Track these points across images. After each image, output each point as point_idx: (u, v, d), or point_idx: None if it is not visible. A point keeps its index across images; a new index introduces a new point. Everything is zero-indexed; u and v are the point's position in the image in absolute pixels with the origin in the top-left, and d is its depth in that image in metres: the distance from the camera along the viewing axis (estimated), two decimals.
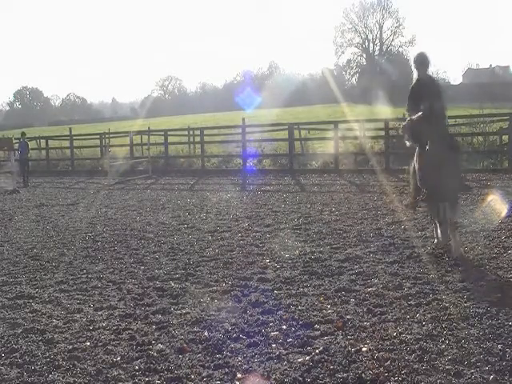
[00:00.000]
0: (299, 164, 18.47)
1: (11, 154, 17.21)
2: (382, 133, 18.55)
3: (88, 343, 4.01)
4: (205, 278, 5.62)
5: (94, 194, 14.53)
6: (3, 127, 67.89)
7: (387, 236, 7.19)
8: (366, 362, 3.44)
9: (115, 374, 3.49)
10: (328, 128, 19.68)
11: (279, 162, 19.13)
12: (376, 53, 79.56)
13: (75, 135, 24.25)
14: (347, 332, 3.97)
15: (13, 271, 6.33)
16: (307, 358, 3.56)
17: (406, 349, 3.61)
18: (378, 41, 79.61)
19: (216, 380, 3.36)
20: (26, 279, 5.94)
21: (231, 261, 6.29)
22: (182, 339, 4.00)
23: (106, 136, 22.10)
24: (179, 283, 5.48)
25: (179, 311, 4.63)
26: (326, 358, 3.54)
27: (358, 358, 3.50)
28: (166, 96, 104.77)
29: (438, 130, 5.91)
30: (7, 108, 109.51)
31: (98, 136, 24.08)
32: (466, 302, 4.44)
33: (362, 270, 5.60)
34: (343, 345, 3.72)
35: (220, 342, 3.90)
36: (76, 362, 3.68)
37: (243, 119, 19.07)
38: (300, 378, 3.29)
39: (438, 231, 6.29)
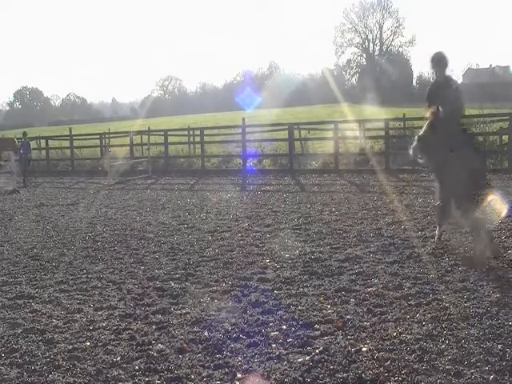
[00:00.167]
0: (299, 164, 18.46)
1: (11, 153, 17.20)
2: (382, 133, 18.56)
3: (88, 343, 4.01)
4: (205, 278, 5.62)
5: (93, 194, 14.53)
6: (3, 127, 67.91)
7: (387, 236, 7.19)
8: (366, 362, 3.44)
9: (115, 374, 3.49)
10: (328, 128, 19.68)
11: (279, 161, 19.13)
12: (376, 53, 79.61)
13: (75, 135, 24.24)
14: (347, 332, 3.97)
15: (13, 271, 6.33)
16: (307, 358, 3.56)
17: (405, 349, 3.61)
18: (377, 41, 79.70)
19: (216, 380, 3.36)
20: (25, 279, 5.94)
21: (231, 261, 6.29)
22: (182, 339, 4.00)
23: (106, 136, 22.10)
24: (179, 283, 5.48)
25: (179, 311, 4.63)
26: (326, 358, 3.54)
27: (358, 358, 3.50)
28: (166, 96, 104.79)
29: (457, 140, 5.62)
30: (7, 108, 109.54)
31: (98, 136, 24.07)
32: (465, 302, 4.44)
33: (362, 270, 5.60)
34: (343, 345, 3.72)
35: (220, 342, 3.90)
36: (76, 362, 3.69)
37: (243, 119, 19.07)
38: (300, 378, 3.29)
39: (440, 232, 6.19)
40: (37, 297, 5.25)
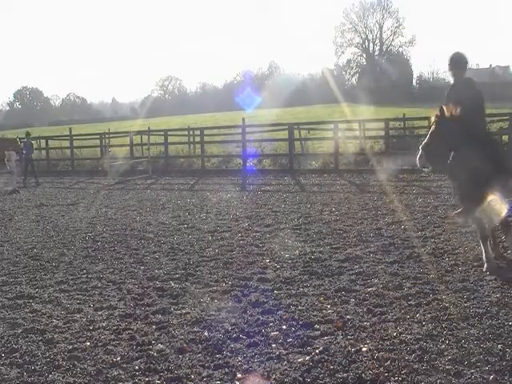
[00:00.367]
0: (299, 164, 18.45)
1: (12, 153, 17.18)
2: (382, 133, 18.57)
3: (88, 343, 4.01)
4: (205, 278, 5.62)
5: (94, 194, 14.53)
6: (3, 127, 67.90)
7: (387, 236, 7.19)
8: (366, 362, 3.44)
9: (115, 373, 3.49)
10: (328, 128, 19.68)
11: (279, 162, 19.13)
12: (376, 53, 79.56)
13: (75, 135, 24.24)
14: (347, 332, 3.97)
15: (13, 271, 6.33)
16: (307, 357, 3.56)
17: (405, 349, 3.61)
18: (377, 41, 79.63)
19: (216, 380, 3.36)
20: (26, 279, 5.94)
21: (231, 261, 6.29)
22: (182, 339, 4.00)
23: (106, 136, 22.09)
24: (179, 283, 5.48)
25: (179, 311, 4.63)
26: (326, 358, 3.54)
27: (358, 358, 3.51)
28: (166, 96, 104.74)
29: (481, 147, 5.03)
30: (7, 108, 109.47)
31: (98, 136, 24.07)
32: (466, 302, 4.44)
33: (362, 270, 5.60)
34: (343, 345, 3.72)
35: (220, 342, 3.90)
36: (76, 362, 3.69)
37: (243, 119, 19.07)
38: (300, 378, 3.29)
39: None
40: (37, 297, 5.25)
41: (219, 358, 3.64)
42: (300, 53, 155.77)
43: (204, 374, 3.43)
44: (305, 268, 5.80)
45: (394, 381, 3.20)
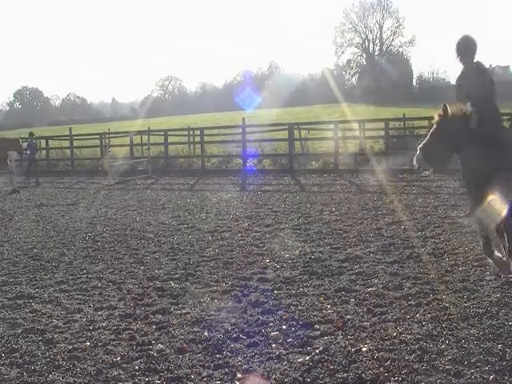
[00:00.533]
0: (299, 164, 18.46)
1: (12, 153, 17.16)
2: (382, 133, 18.56)
3: (88, 343, 4.01)
4: (205, 278, 5.62)
5: (94, 194, 14.53)
6: (3, 127, 67.85)
7: (387, 236, 7.19)
8: (366, 362, 3.44)
9: (115, 373, 3.49)
10: (328, 128, 19.68)
11: (279, 162, 19.13)
12: (376, 53, 79.53)
13: (75, 135, 24.24)
14: (347, 332, 3.97)
15: (13, 271, 6.33)
16: (307, 357, 3.56)
17: (405, 349, 3.61)
18: (377, 41, 79.59)
19: (216, 380, 3.36)
20: (26, 279, 5.94)
21: (231, 261, 6.29)
22: (182, 339, 4.00)
23: (106, 136, 22.09)
24: (179, 283, 5.48)
25: (179, 311, 4.63)
26: (326, 358, 3.54)
27: (358, 358, 3.51)
28: (166, 96, 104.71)
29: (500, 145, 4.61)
30: (7, 108, 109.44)
31: (98, 136, 24.08)
32: (466, 302, 4.44)
33: (362, 270, 5.60)
34: (343, 345, 3.72)
35: (220, 342, 3.90)
36: (76, 362, 3.69)
37: (243, 119, 19.07)
38: (300, 378, 3.29)
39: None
40: (37, 297, 5.25)
41: (219, 358, 3.64)
42: (300, 53, 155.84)
43: (204, 374, 3.43)
44: (305, 268, 5.80)
45: (394, 381, 3.20)
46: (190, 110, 73.96)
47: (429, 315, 4.19)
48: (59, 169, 23.89)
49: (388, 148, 17.47)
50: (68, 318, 4.58)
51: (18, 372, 3.59)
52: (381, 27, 78.58)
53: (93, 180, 18.56)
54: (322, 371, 3.37)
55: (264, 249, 6.81)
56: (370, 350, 3.62)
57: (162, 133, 22.32)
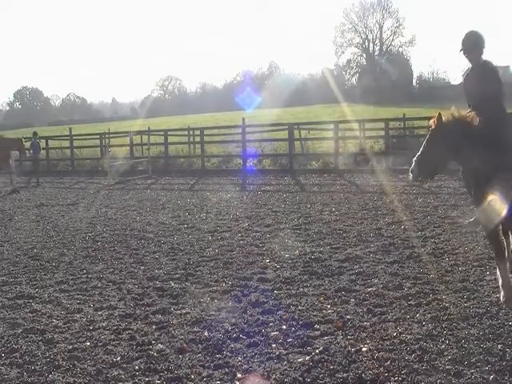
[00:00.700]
0: (299, 164, 18.47)
1: (13, 153, 17.14)
2: (382, 133, 18.55)
3: (88, 343, 4.01)
4: (205, 278, 5.62)
5: (94, 194, 14.53)
6: (3, 127, 67.78)
7: (387, 236, 7.19)
8: (366, 362, 3.44)
9: (115, 373, 3.49)
10: (328, 128, 19.68)
11: (279, 162, 19.13)
12: (376, 53, 79.51)
13: (75, 135, 24.24)
14: (347, 332, 3.97)
15: (13, 271, 6.33)
16: (307, 357, 3.56)
17: (405, 349, 3.61)
18: (377, 41, 79.57)
19: (216, 380, 3.36)
20: (26, 279, 5.94)
21: (231, 261, 6.29)
22: (182, 339, 4.00)
23: (106, 136, 22.07)
24: (179, 283, 5.48)
25: (179, 311, 4.63)
26: (326, 358, 3.54)
27: (358, 358, 3.51)
28: (166, 96, 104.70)
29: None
30: (7, 108, 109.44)
31: (98, 136, 24.07)
32: (465, 302, 4.44)
33: (362, 270, 5.60)
34: (343, 345, 3.73)
35: (220, 342, 3.90)
36: (76, 362, 3.69)
37: (243, 119, 19.07)
38: (300, 378, 3.29)
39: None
40: (37, 297, 5.25)
41: (219, 358, 3.64)
42: (300, 53, 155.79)
43: (204, 374, 3.43)
44: (305, 268, 5.80)
45: (394, 381, 3.20)
46: (190, 110, 73.96)
47: (429, 315, 4.19)
48: (59, 169, 23.89)
49: (388, 148, 17.46)
50: (68, 318, 4.59)
51: (18, 372, 3.59)
52: (381, 27, 78.60)
53: (93, 180, 18.56)
54: (322, 371, 3.37)
55: (264, 249, 6.81)
56: (369, 350, 3.62)
57: (162, 133, 22.32)
